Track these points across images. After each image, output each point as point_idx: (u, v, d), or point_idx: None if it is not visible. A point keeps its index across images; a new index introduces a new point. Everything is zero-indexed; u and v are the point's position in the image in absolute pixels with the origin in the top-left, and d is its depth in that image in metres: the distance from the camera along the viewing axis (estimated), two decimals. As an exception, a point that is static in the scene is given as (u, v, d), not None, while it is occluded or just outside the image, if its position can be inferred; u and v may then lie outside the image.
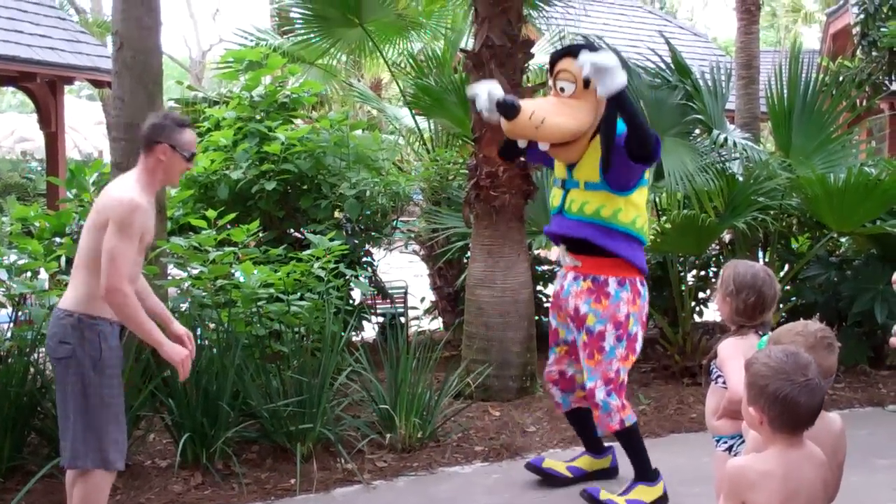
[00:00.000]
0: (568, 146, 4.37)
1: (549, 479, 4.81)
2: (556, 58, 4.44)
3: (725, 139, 6.81)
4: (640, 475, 4.52)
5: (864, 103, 10.48)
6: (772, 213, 6.84)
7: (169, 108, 8.20)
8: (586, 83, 4.26)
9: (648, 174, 4.55)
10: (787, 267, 7.50)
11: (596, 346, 4.44)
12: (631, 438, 4.52)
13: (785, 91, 7.21)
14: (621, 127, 4.25)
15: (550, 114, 4.26)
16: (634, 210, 4.43)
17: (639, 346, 4.58)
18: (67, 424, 3.69)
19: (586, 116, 4.32)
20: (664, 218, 7.45)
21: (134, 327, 3.66)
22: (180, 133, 3.80)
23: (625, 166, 4.27)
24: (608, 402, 4.40)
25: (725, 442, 3.34)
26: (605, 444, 4.92)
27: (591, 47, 4.54)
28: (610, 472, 4.93)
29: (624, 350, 4.47)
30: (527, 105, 4.27)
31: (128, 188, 3.72)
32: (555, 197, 4.57)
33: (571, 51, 4.36)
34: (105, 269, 3.57)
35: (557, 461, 4.92)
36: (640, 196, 4.47)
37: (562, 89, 4.36)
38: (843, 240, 7.81)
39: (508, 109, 4.21)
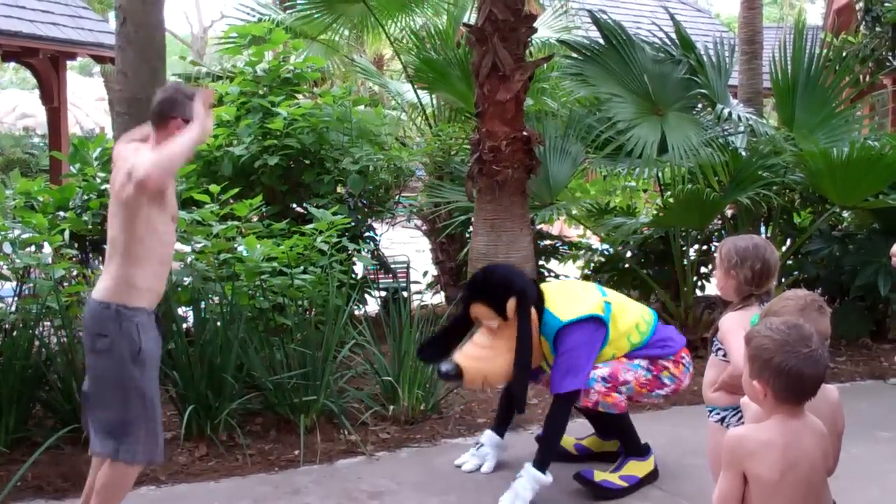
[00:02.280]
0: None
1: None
2: (465, 303, 4.46)
3: (730, 114, 6.80)
4: (631, 450, 4.59)
5: (868, 79, 10.44)
6: (774, 188, 6.83)
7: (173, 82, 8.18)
8: (506, 315, 4.28)
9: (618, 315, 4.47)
10: (789, 241, 7.51)
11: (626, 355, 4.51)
12: (614, 420, 4.54)
13: (789, 66, 7.19)
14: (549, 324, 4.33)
15: (487, 364, 4.29)
16: (611, 350, 4.40)
17: (661, 392, 4.55)
18: (99, 414, 3.60)
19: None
20: (668, 193, 7.45)
21: (186, 150, 3.50)
22: (192, 105, 3.66)
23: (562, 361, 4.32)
24: (594, 383, 4.35)
25: (718, 413, 3.39)
26: None
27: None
28: (616, 456, 4.89)
29: (645, 379, 4.45)
30: (466, 366, 4.27)
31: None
32: None
33: (472, 298, 4.41)
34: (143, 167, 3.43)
35: (567, 436, 4.95)
36: (615, 332, 4.41)
37: (489, 327, 4.38)
38: (845, 214, 7.81)
39: (451, 378, 4.31)
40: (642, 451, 4.59)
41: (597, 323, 4.36)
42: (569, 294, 4.55)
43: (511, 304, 4.27)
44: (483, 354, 4.31)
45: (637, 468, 4.52)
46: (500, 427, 4.85)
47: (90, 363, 3.66)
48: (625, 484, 4.45)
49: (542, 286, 4.61)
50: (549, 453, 4.34)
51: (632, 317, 4.51)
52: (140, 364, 3.57)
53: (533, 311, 4.34)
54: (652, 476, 4.57)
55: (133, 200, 3.53)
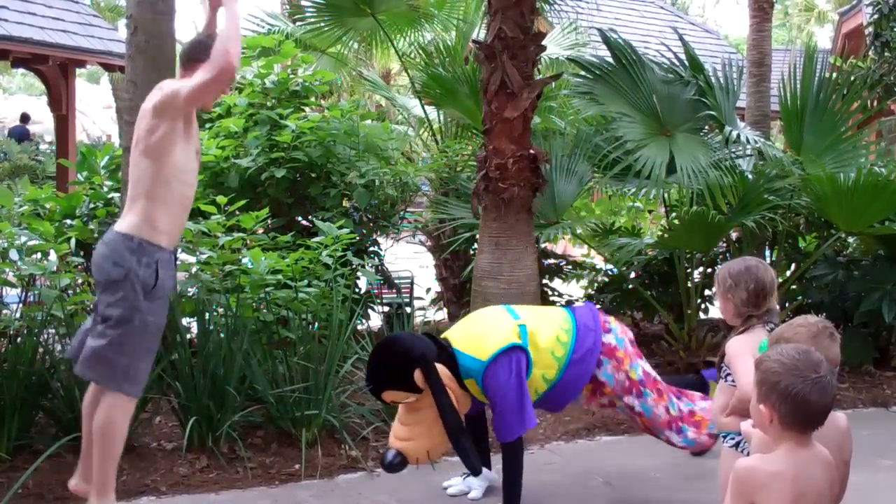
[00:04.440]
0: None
1: None
2: (376, 394, 4.26)
3: (738, 136, 6.80)
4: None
5: (876, 104, 10.45)
6: (780, 211, 6.83)
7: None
8: (418, 388, 4.11)
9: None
10: (793, 266, 7.49)
11: (635, 414, 4.48)
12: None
13: (798, 89, 7.19)
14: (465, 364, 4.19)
15: (425, 439, 4.16)
16: (539, 370, 4.26)
17: (655, 375, 4.53)
18: (96, 341, 3.71)
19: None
20: (673, 214, 7.45)
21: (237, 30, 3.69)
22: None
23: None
24: (685, 438, 4.53)
25: (733, 438, 3.35)
26: None
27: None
28: None
29: (654, 395, 4.44)
30: (406, 449, 4.15)
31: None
32: None
33: (378, 388, 4.19)
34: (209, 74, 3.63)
35: None
36: (536, 352, 4.26)
37: (409, 404, 4.21)
38: (850, 240, 7.80)
39: (396, 468, 4.17)
40: None
41: (517, 351, 4.17)
42: (478, 329, 4.34)
43: (418, 375, 4.06)
44: (416, 432, 4.15)
45: None
46: (482, 460, 4.62)
47: (99, 299, 3.76)
48: None
49: (446, 333, 4.43)
50: (514, 498, 4.22)
51: (550, 331, 4.33)
52: (151, 297, 3.69)
53: (441, 367, 4.14)
54: None
55: (177, 114, 3.70)
